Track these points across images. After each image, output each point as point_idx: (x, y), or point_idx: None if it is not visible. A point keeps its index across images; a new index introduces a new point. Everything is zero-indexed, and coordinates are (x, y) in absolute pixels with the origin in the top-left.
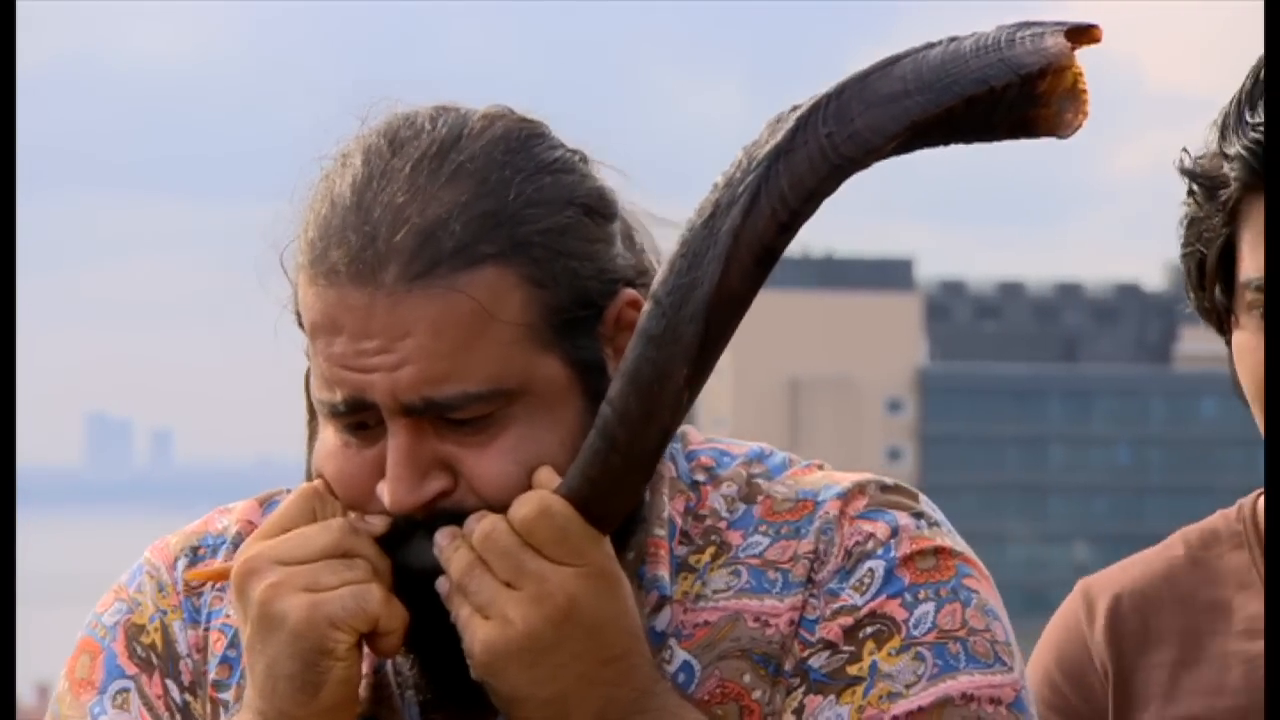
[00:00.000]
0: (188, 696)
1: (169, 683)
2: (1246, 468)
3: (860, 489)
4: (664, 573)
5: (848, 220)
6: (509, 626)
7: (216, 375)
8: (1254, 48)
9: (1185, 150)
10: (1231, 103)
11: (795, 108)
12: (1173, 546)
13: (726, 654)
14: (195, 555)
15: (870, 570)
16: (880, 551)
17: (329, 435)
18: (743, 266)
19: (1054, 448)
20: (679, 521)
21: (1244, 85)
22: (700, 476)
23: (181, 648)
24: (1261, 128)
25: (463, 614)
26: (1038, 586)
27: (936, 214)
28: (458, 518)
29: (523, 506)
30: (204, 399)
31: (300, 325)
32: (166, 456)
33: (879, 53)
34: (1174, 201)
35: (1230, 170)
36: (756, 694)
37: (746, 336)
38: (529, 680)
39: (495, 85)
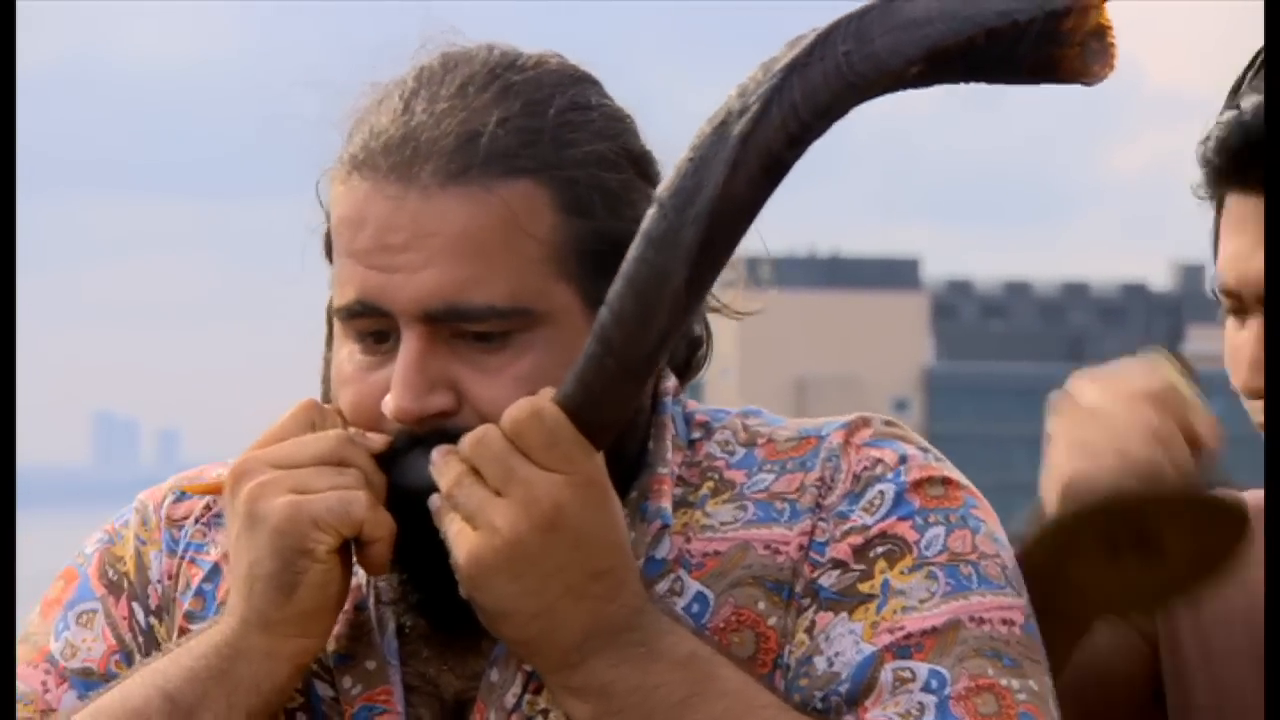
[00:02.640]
0: (153, 620)
1: (135, 605)
2: (1253, 467)
3: (864, 420)
4: (666, 505)
5: (854, 220)
6: (495, 535)
7: (224, 375)
8: (1256, 48)
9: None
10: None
11: (815, 29)
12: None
13: (739, 582)
14: (183, 496)
15: (880, 493)
16: (890, 476)
17: (343, 355)
18: (750, 173)
19: None
20: (677, 470)
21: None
22: (696, 434)
23: (154, 574)
24: (1225, 123)
25: (452, 528)
26: None
27: (943, 213)
28: (456, 439)
29: (514, 410)
30: (211, 399)
31: (328, 253)
32: (173, 456)
33: None
34: (1179, 201)
35: (1209, 161)
36: (771, 620)
37: (752, 336)
38: (516, 592)
39: None
